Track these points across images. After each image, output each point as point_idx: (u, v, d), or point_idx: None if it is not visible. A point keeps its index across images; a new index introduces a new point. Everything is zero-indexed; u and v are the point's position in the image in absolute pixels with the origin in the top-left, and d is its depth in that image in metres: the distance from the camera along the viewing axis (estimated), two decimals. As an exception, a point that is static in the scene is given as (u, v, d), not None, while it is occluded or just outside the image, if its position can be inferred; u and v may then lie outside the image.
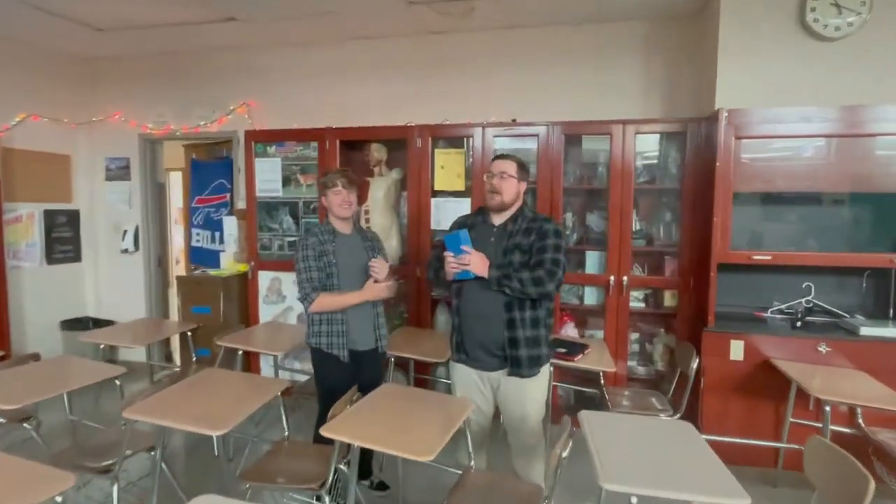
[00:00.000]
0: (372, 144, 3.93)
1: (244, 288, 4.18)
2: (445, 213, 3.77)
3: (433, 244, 2.50)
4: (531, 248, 2.31)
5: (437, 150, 3.77)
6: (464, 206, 3.70)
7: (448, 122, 3.78)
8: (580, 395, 3.82)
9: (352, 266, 2.68)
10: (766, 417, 3.09)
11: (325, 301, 2.60)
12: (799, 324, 3.17)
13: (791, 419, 2.96)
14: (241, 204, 4.50)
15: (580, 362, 3.04)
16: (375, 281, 2.63)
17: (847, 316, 3.20)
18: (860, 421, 2.77)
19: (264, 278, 4.13)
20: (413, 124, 3.78)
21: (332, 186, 2.67)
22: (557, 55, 3.90)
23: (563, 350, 3.09)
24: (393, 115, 4.02)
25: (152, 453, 2.52)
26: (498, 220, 2.41)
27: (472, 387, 2.44)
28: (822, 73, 3.05)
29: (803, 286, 3.30)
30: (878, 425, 2.75)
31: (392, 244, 3.95)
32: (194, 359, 3.78)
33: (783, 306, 3.35)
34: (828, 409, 2.57)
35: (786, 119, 2.95)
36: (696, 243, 3.38)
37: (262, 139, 4.08)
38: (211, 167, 4.98)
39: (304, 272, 2.61)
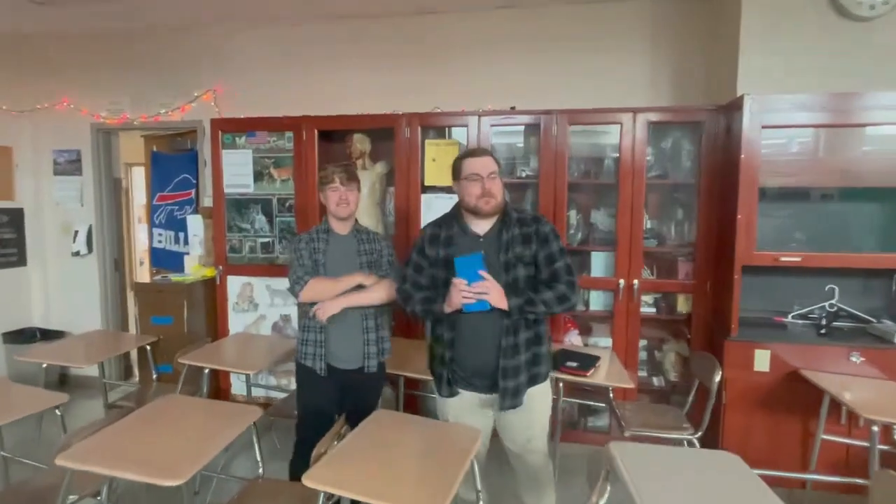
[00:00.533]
0: (354, 135, 3.55)
1: (211, 295, 3.75)
2: (437, 211, 3.37)
3: (406, 262, 2.17)
4: (535, 258, 2.02)
5: (427, 142, 3.40)
6: (457, 203, 3.35)
7: (439, 111, 3.41)
8: (585, 409, 3.51)
9: (340, 267, 2.36)
10: (793, 434, 2.83)
11: (318, 286, 2.30)
12: (824, 330, 2.93)
13: (822, 436, 2.70)
14: (207, 201, 4.07)
15: (593, 377, 2.72)
16: (312, 317, 2.34)
17: (874, 321, 2.96)
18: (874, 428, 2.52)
19: (234, 284, 3.70)
20: (401, 112, 3.41)
21: (329, 182, 2.34)
22: (558, 38, 3.57)
23: (573, 364, 2.77)
24: (378, 102, 3.63)
25: (98, 498, 2.11)
26: (480, 227, 2.06)
27: (471, 413, 2.11)
28: (854, 57, 2.79)
29: (826, 289, 3.04)
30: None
31: (377, 245, 3.57)
32: (154, 376, 3.36)
33: (805, 310, 3.09)
34: (875, 429, 2.30)
35: (818, 106, 2.68)
36: (713, 243, 3.10)
37: (230, 129, 3.65)
38: (173, 160, 4.52)
39: (296, 260, 2.34)
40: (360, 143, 3.56)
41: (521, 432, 2.14)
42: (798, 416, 2.81)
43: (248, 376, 3.34)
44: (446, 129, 3.47)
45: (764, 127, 2.72)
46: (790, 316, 3.11)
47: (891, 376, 2.66)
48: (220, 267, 3.70)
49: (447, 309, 1.99)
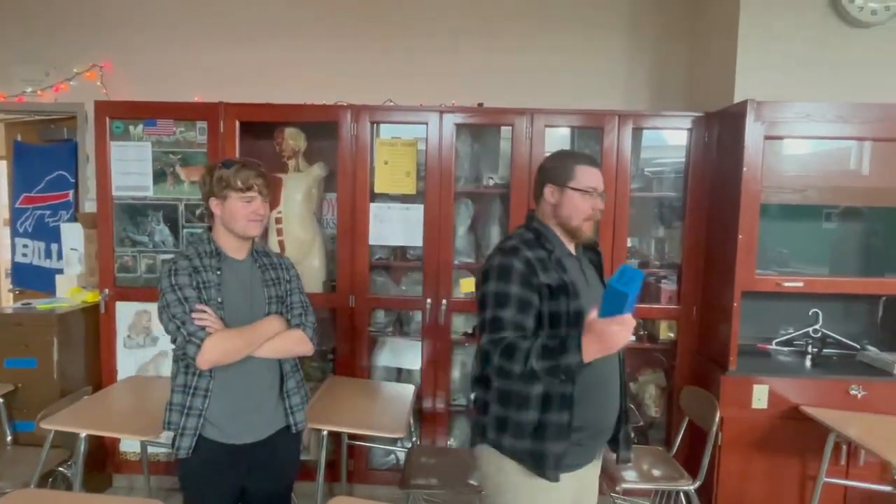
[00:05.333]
0: (286, 129, 2.91)
1: (93, 327, 2.92)
2: (390, 223, 2.86)
3: (497, 301, 1.49)
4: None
5: (379, 141, 2.84)
6: (415, 213, 2.83)
7: (393, 104, 2.86)
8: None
9: (242, 310, 1.71)
10: (792, 477, 2.57)
11: (226, 344, 1.62)
12: (809, 359, 2.74)
13: (825, 479, 2.46)
14: (90, 206, 3.22)
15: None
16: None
17: (859, 347, 2.80)
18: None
19: (125, 312, 2.91)
20: (345, 104, 2.82)
21: (241, 189, 1.68)
22: (531, 30, 3.16)
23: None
24: (318, 91, 3.01)
25: None
26: (571, 246, 1.65)
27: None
28: (856, 64, 2.60)
29: (810, 313, 2.85)
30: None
31: (313, 264, 2.96)
32: (9, 438, 2.53)
33: (789, 337, 2.88)
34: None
35: (824, 116, 2.44)
36: (702, 265, 2.81)
37: (122, 115, 2.87)
38: (44, 153, 3.61)
39: (177, 305, 1.60)
40: (293, 138, 2.93)
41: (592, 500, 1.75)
42: (797, 457, 2.55)
43: (143, 444, 2.60)
44: (401, 126, 2.93)
45: (767, 138, 2.45)
46: (774, 343, 2.89)
47: (894, 411, 2.47)
48: (107, 290, 2.89)
49: (594, 355, 1.37)
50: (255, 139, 3.00)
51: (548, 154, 1.74)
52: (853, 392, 2.50)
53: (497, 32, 3.18)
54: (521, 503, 1.56)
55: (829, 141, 2.55)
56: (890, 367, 2.53)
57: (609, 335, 1.33)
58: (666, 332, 2.96)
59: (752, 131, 2.44)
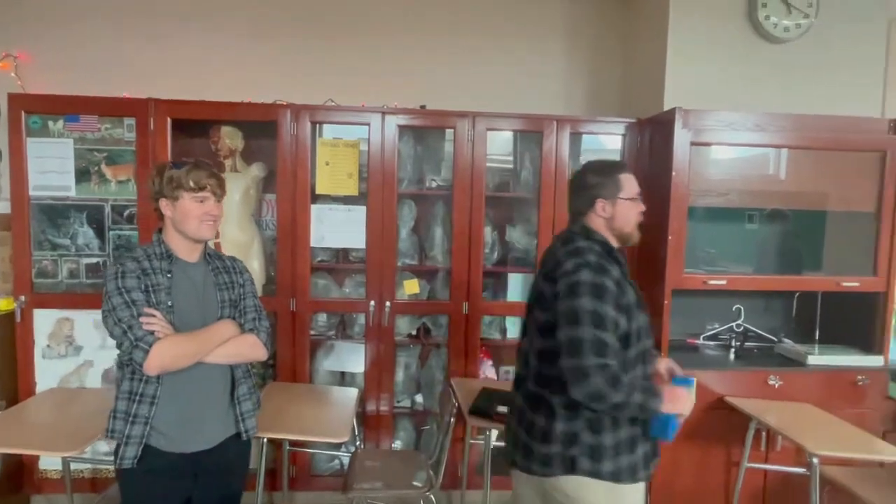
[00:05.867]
0: (222, 128, 2.81)
1: (8, 337, 2.71)
2: (332, 225, 2.82)
3: (594, 321, 1.47)
4: None
5: (320, 141, 2.80)
6: (357, 216, 2.80)
7: (335, 105, 2.82)
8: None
9: (194, 314, 1.66)
10: (718, 464, 2.73)
11: (177, 349, 1.57)
12: (733, 352, 2.92)
13: (747, 464, 2.63)
14: (3, 206, 2.98)
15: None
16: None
17: (776, 340, 3.00)
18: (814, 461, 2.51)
19: (44, 320, 2.71)
20: (285, 103, 2.76)
21: (193, 188, 1.63)
22: (472, 33, 3.21)
23: (505, 409, 2.35)
24: (255, 89, 2.92)
25: None
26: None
27: None
28: (772, 76, 2.80)
29: (733, 309, 3.04)
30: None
31: (252, 267, 2.86)
32: None
33: (715, 332, 3.06)
34: (815, 461, 2.21)
35: (744, 125, 2.61)
36: (634, 265, 2.92)
37: (39, 109, 2.68)
38: (-51, 149, 3.30)
39: (123, 309, 1.54)
40: (229, 137, 2.83)
41: None
42: (722, 445, 2.71)
43: (65, 462, 2.43)
44: (343, 127, 2.88)
45: (694, 144, 2.59)
46: (702, 337, 3.06)
47: (806, 397, 2.66)
48: (23, 297, 2.69)
49: (668, 410, 1.54)
50: (189, 137, 2.88)
51: (584, 163, 1.74)
52: (771, 382, 2.68)
53: (440, 36, 3.19)
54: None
55: (751, 147, 2.73)
56: (803, 358, 2.73)
57: (686, 402, 1.57)
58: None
59: (680, 138, 2.57)
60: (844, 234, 2.87)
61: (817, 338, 2.99)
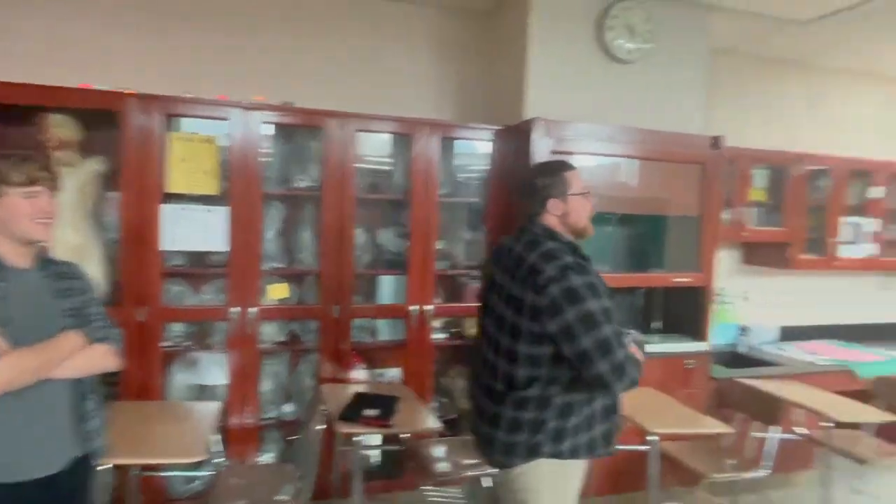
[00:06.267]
0: (51, 116, 2.47)
1: None
2: (186, 226, 2.60)
3: (603, 317, 1.57)
4: None
5: (175, 136, 2.56)
6: (217, 217, 2.62)
7: (190, 96, 2.60)
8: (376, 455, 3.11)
9: (32, 326, 1.46)
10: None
11: (18, 366, 1.38)
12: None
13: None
14: None
15: (400, 425, 2.34)
16: None
17: (624, 331, 3.31)
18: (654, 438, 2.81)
19: None
20: (131, 91, 2.49)
21: (24, 183, 1.44)
22: (340, 32, 3.14)
23: (372, 413, 2.33)
24: (94, 72, 2.60)
25: None
26: None
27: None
28: (622, 93, 3.08)
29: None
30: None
31: (91, 272, 2.55)
32: None
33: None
34: (654, 438, 2.48)
35: (599, 136, 2.86)
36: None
37: None
38: None
39: None
40: (60, 127, 2.49)
41: None
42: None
43: None
44: (204, 122, 2.66)
45: (554, 152, 2.77)
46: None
47: (648, 383, 2.94)
48: None
49: None
50: (10, 125, 2.49)
51: (530, 168, 1.93)
52: (619, 370, 2.96)
53: (311, 33, 3.10)
54: (572, 489, 1.71)
55: (604, 157, 2.98)
56: (642, 346, 3.04)
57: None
58: (471, 329, 3.17)
59: (540, 146, 2.75)
60: (679, 236, 3.24)
61: (660, 328, 3.37)
